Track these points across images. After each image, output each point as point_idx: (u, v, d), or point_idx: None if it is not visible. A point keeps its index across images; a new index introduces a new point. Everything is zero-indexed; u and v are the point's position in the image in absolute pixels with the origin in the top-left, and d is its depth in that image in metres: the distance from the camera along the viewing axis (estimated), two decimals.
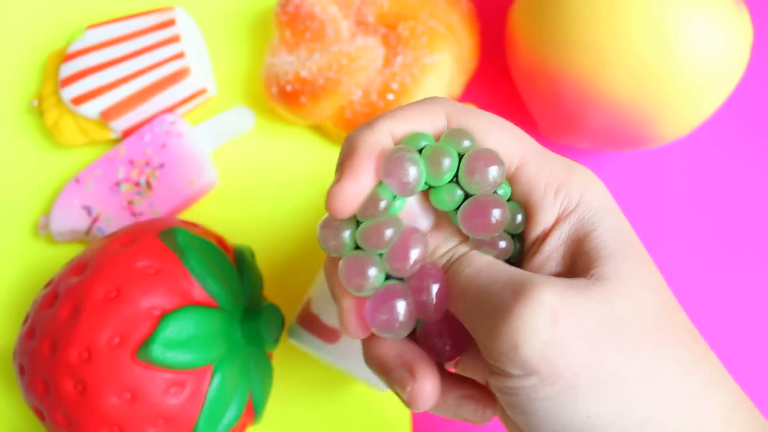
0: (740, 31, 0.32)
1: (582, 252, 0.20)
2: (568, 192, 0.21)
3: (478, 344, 0.19)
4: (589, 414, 0.18)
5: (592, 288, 0.19)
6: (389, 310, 0.20)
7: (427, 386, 0.20)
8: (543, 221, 0.21)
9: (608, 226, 0.20)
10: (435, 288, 0.20)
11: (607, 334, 0.18)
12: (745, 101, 0.40)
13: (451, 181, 0.21)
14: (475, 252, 0.21)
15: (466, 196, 0.21)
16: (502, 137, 0.21)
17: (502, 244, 0.21)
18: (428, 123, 0.21)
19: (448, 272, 0.21)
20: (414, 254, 0.20)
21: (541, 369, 0.18)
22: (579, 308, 0.18)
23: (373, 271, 0.20)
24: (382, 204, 0.20)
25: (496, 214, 0.20)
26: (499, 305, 0.18)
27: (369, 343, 0.21)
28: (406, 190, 0.20)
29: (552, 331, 0.18)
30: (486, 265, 0.20)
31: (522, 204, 0.21)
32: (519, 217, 0.21)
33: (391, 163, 0.20)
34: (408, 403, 0.20)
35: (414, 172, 0.20)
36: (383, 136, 0.21)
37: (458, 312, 0.20)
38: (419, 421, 0.35)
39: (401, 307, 0.20)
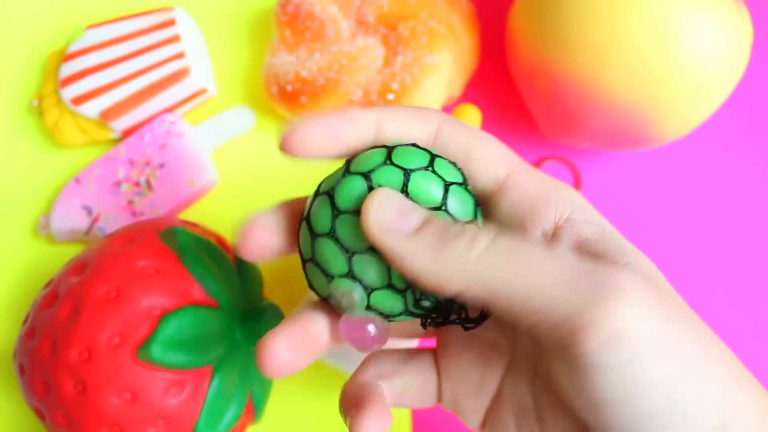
0: (740, 31, 0.32)
1: (598, 251, 0.20)
2: (561, 199, 0.21)
3: (540, 319, 0.18)
4: (672, 400, 0.18)
5: (649, 279, 0.19)
6: (361, 328, 0.20)
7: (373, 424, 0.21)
8: (541, 225, 0.21)
9: (609, 227, 0.21)
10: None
11: (679, 322, 0.18)
12: (745, 101, 0.40)
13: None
14: (493, 230, 0.20)
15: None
16: (490, 149, 0.21)
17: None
18: (417, 126, 0.21)
19: (486, 253, 0.19)
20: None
21: (634, 344, 0.17)
22: (659, 297, 0.18)
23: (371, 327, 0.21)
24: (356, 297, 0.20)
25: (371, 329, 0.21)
26: (595, 285, 0.18)
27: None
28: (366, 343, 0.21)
29: (647, 311, 0.18)
30: (537, 246, 0.19)
31: (514, 211, 0.21)
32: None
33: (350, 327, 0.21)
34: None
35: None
36: (368, 127, 0.21)
37: (524, 295, 0.18)
38: (419, 420, 0.35)
39: (371, 327, 0.20)
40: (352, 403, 0.22)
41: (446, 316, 0.21)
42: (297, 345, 0.21)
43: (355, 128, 0.21)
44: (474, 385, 0.23)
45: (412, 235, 0.19)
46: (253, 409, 0.30)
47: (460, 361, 0.24)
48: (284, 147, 0.20)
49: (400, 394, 0.23)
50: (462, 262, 0.18)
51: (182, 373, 0.27)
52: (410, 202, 0.19)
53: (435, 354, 0.24)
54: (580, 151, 0.39)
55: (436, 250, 0.18)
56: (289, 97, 0.36)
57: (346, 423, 0.21)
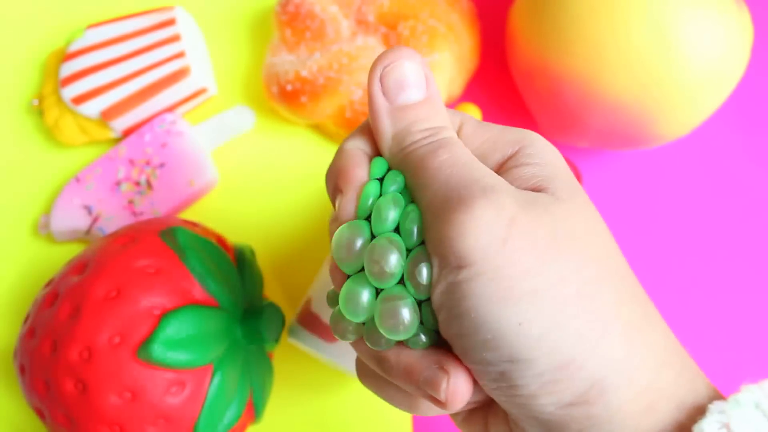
0: (740, 31, 0.32)
1: (531, 176, 0.21)
2: (505, 142, 0.21)
3: (426, 233, 0.20)
4: (521, 321, 0.18)
5: (552, 204, 0.19)
6: (394, 315, 0.20)
7: (461, 379, 0.20)
8: (491, 162, 0.21)
9: (550, 160, 0.21)
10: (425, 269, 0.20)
11: (556, 247, 0.19)
12: (745, 101, 0.40)
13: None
14: (456, 139, 0.21)
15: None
16: None
17: None
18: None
19: (421, 149, 0.21)
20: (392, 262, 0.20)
21: (481, 262, 0.18)
22: (536, 220, 0.19)
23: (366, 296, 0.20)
24: (359, 243, 0.20)
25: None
26: (464, 195, 0.19)
27: (390, 355, 0.21)
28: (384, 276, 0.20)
29: (505, 230, 0.18)
30: (465, 157, 0.20)
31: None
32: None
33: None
34: (446, 402, 0.20)
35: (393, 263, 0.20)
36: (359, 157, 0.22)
37: (421, 187, 0.20)
38: (420, 420, 0.35)
39: (405, 311, 0.20)
40: (425, 364, 0.21)
41: None
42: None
43: None
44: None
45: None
46: (254, 409, 0.30)
47: None
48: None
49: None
50: (402, 136, 0.21)
51: (183, 373, 0.27)
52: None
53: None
54: (580, 150, 0.39)
55: (397, 118, 0.21)
56: (289, 96, 0.36)
57: (425, 389, 0.20)
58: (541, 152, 0.21)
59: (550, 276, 0.18)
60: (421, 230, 0.20)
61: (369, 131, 0.22)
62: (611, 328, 0.19)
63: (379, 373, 0.22)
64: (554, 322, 0.18)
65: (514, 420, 0.20)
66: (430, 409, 0.22)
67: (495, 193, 0.19)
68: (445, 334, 0.20)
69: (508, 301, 0.18)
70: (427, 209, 0.20)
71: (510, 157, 0.21)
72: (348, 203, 0.21)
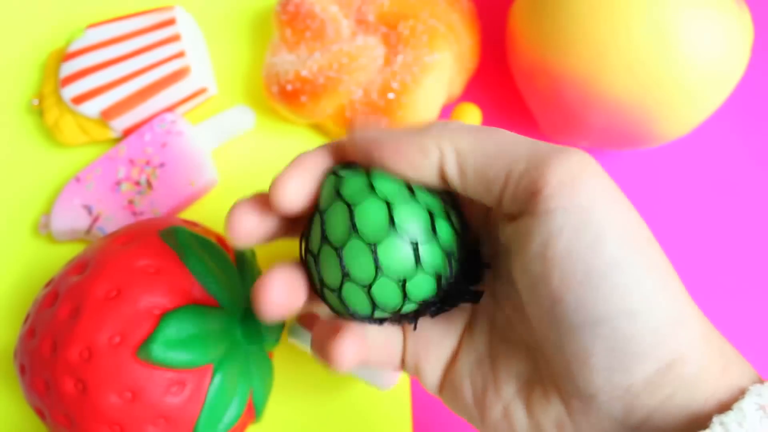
0: (740, 31, 0.32)
1: None
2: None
3: (511, 195, 0.19)
4: (646, 266, 0.18)
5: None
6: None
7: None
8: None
9: None
10: None
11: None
12: (745, 101, 0.40)
13: None
14: None
15: None
16: None
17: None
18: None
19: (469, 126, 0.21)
20: None
21: (606, 206, 0.18)
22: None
23: None
24: None
25: None
26: (557, 148, 0.19)
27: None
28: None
29: (600, 175, 0.18)
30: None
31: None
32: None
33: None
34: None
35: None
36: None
37: (497, 155, 0.20)
38: (420, 420, 0.35)
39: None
40: (325, 336, 0.22)
41: (448, 302, 0.21)
42: (292, 285, 0.21)
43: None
44: (435, 342, 0.23)
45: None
46: (254, 409, 0.30)
47: (423, 319, 0.24)
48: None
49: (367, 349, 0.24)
50: (439, 132, 0.20)
51: (183, 373, 0.27)
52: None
53: None
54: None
55: (417, 132, 0.20)
56: (289, 96, 0.36)
57: (322, 360, 0.22)
58: None
59: (633, 221, 0.19)
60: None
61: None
62: (674, 284, 0.19)
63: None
64: (669, 272, 0.19)
65: (589, 394, 0.19)
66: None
67: (573, 152, 0.19)
68: (561, 288, 0.19)
69: (638, 245, 0.18)
70: (528, 159, 0.19)
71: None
72: None
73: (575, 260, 0.18)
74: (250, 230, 0.21)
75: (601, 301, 0.18)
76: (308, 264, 0.21)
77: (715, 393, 0.19)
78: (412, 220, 0.20)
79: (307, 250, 0.21)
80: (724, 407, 0.18)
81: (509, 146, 0.19)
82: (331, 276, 0.20)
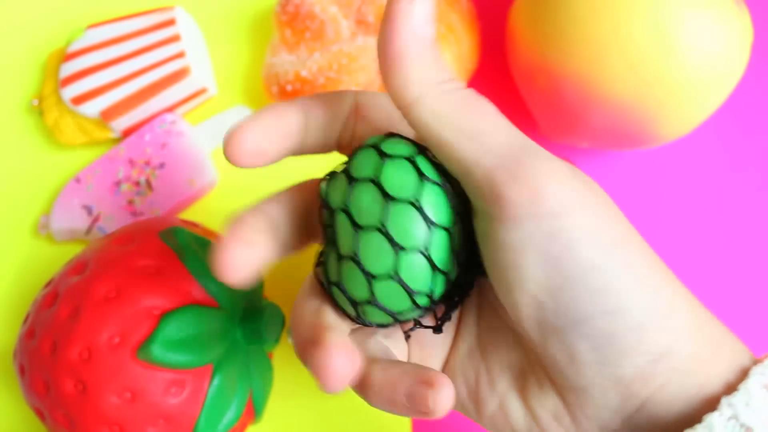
0: (740, 31, 0.32)
1: None
2: None
3: (492, 178, 0.18)
4: (626, 263, 0.18)
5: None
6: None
7: (447, 389, 0.19)
8: None
9: None
10: None
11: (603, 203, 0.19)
12: (745, 101, 0.40)
13: None
14: None
15: None
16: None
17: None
18: (336, 105, 0.22)
19: (463, 90, 0.20)
20: None
21: (583, 208, 0.18)
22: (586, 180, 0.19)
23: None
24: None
25: None
26: (538, 148, 0.19)
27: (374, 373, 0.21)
28: None
29: (568, 179, 0.18)
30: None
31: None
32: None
33: None
34: (432, 412, 0.19)
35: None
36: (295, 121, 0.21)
37: (479, 132, 0.19)
38: (419, 420, 0.35)
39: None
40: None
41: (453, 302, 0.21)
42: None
43: (283, 126, 0.21)
44: (435, 342, 0.23)
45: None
46: (254, 409, 0.30)
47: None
48: (227, 156, 0.20)
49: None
50: (429, 83, 0.19)
51: (182, 373, 0.27)
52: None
53: None
54: (580, 150, 0.39)
55: (419, 62, 0.19)
56: (289, 96, 0.36)
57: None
58: None
59: (625, 223, 0.19)
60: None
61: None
62: (675, 281, 0.19)
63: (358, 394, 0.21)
64: (649, 266, 0.18)
65: (582, 386, 0.19)
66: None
67: (544, 158, 0.19)
68: (538, 293, 0.18)
69: (613, 244, 0.18)
70: (496, 155, 0.18)
71: None
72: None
73: (550, 268, 0.18)
74: (241, 266, 0.20)
75: (582, 304, 0.18)
76: (329, 279, 0.21)
77: (708, 379, 0.19)
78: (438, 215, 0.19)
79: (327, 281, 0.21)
80: (731, 388, 0.19)
81: (484, 133, 0.19)
82: (358, 285, 0.20)
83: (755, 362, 0.20)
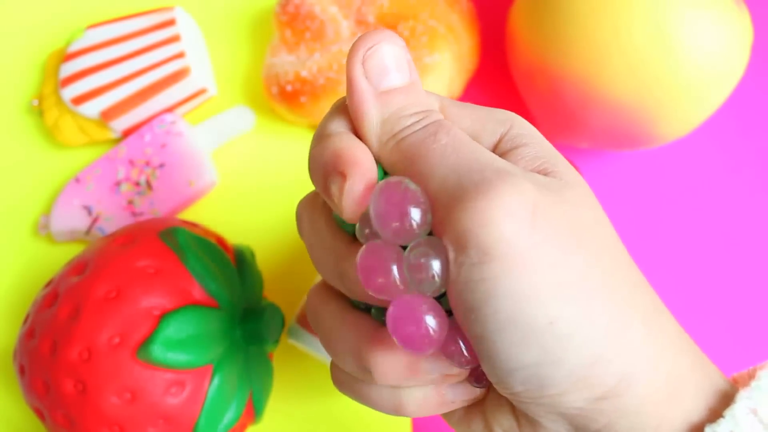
0: (740, 31, 0.32)
1: (534, 157, 0.20)
2: (495, 121, 0.20)
3: (436, 224, 0.18)
4: (551, 319, 0.17)
5: (564, 189, 0.18)
6: (416, 322, 0.18)
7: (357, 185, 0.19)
8: (486, 143, 0.20)
9: (543, 141, 0.20)
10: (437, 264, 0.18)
11: (575, 236, 0.18)
12: (745, 101, 0.40)
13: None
14: (448, 122, 0.20)
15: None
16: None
17: None
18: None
19: (417, 134, 0.19)
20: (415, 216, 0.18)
21: (507, 256, 0.17)
22: (555, 208, 0.18)
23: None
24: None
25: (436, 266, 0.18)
26: (480, 180, 0.17)
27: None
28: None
29: (531, 218, 0.17)
30: (465, 139, 0.19)
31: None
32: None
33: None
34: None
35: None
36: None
37: (424, 176, 0.18)
38: (419, 420, 0.35)
39: (430, 320, 0.18)
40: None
41: None
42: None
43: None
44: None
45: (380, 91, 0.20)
46: (254, 409, 0.30)
47: None
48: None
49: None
50: (383, 137, 0.19)
51: (182, 373, 0.27)
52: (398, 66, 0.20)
53: None
54: (580, 150, 0.39)
55: (384, 103, 0.20)
56: (289, 97, 0.36)
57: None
58: (532, 132, 0.20)
59: (576, 268, 0.17)
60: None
61: (346, 112, 0.21)
62: (632, 318, 0.18)
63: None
64: (584, 318, 0.17)
65: (531, 415, 0.19)
66: (418, 409, 0.21)
67: (512, 176, 0.17)
68: (467, 335, 0.18)
69: (538, 298, 0.17)
70: (435, 199, 0.18)
71: (502, 138, 0.20)
72: (357, 184, 0.19)
73: (496, 311, 0.17)
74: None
75: (522, 353, 0.17)
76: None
77: (663, 421, 0.18)
78: None
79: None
80: (715, 414, 0.18)
81: (427, 179, 0.18)
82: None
83: (736, 384, 0.20)
